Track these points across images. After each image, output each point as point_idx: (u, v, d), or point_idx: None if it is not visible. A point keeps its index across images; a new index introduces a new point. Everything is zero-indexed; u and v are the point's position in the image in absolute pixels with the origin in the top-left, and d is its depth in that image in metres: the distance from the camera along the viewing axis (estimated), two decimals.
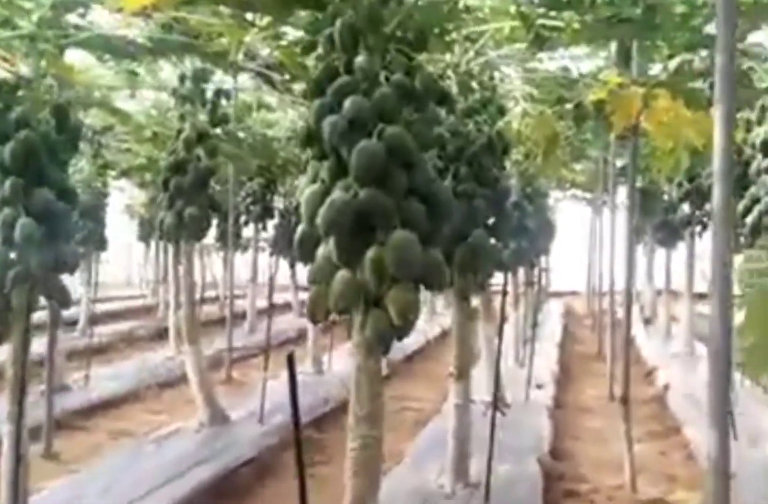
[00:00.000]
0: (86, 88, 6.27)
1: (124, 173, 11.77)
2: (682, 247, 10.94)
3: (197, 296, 10.17)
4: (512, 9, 3.92)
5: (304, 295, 5.23)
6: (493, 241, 4.85)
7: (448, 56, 4.51)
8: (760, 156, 5.96)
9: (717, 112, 2.63)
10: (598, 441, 6.69)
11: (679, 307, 11.48)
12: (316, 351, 9.03)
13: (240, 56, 6.88)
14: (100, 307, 12.70)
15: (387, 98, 2.94)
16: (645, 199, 10.55)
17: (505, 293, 5.12)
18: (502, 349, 5.20)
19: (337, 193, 2.92)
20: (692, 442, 6.26)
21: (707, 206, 9.28)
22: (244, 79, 8.08)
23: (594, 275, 14.00)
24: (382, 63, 3.01)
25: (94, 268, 10.68)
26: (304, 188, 3.03)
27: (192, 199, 6.12)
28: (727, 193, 2.61)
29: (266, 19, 3.79)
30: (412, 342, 10.64)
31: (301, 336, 10.96)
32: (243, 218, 12.16)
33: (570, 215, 17.56)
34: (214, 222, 7.22)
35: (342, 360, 8.79)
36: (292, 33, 4.01)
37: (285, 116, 9.08)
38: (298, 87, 6.33)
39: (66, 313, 9.31)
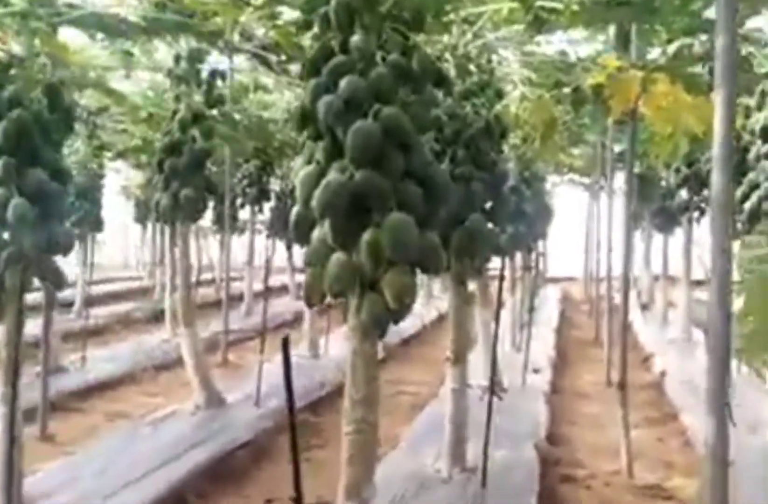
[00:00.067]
0: (81, 69, 6.23)
1: (120, 154, 11.73)
2: (679, 233, 10.91)
3: (193, 278, 10.15)
4: None
5: (301, 278, 5.20)
6: (490, 225, 4.83)
7: (445, 38, 4.46)
8: (759, 142, 5.93)
9: (717, 97, 2.60)
10: (595, 426, 6.69)
11: (677, 293, 11.46)
12: (312, 334, 9.02)
13: (236, 37, 6.85)
14: (97, 289, 12.66)
15: (383, 78, 2.90)
16: (642, 184, 10.51)
17: (502, 278, 5.09)
18: (499, 334, 5.19)
19: (332, 175, 2.89)
20: (689, 428, 6.25)
21: (705, 192, 9.26)
22: (241, 60, 8.04)
23: (591, 261, 13.99)
24: (378, 43, 2.97)
25: (90, 250, 10.64)
26: (299, 170, 3.00)
27: (187, 180, 6.08)
28: (726, 179, 2.58)
29: None
30: (408, 326, 10.64)
31: (297, 319, 10.94)
32: (239, 200, 12.12)
33: (567, 200, 17.51)
34: (211, 204, 7.20)
35: (339, 343, 8.76)
36: (288, 13, 3.97)
37: (282, 98, 9.04)
38: (295, 68, 6.30)
39: (62, 295, 9.28)
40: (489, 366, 5.14)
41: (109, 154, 11.19)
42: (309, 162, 3.02)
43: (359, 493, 2.99)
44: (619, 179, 9.59)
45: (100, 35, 5.24)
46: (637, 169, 8.74)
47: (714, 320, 2.58)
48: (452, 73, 4.54)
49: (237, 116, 8.27)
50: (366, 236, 2.89)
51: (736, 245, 2.65)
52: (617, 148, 8.93)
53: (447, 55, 4.52)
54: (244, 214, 13.05)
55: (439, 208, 3.07)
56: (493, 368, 5.03)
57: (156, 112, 7.37)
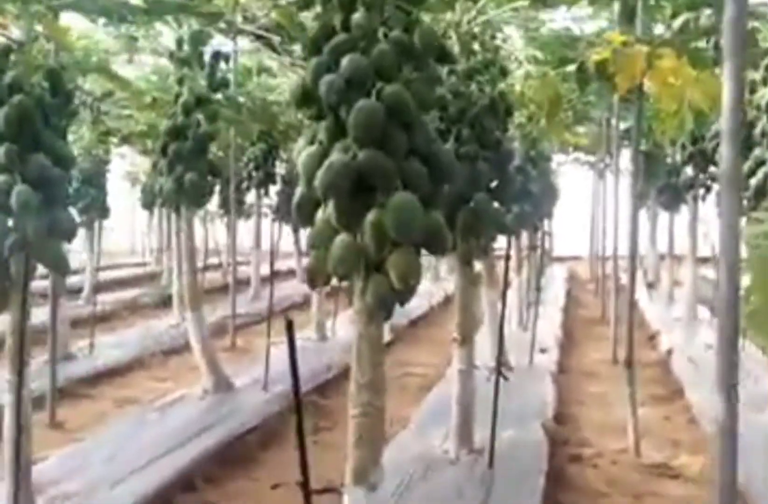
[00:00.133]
0: (84, 53, 6.20)
1: (125, 140, 11.71)
2: (685, 210, 10.86)
3: (201, 263, 10.16)
4: None
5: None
6: (496, 204, 4.80)
7: (449, 15, 4.42)
8: (765, 117, 5.88)
9: (725, 69, 2.56)
10: (602, 405, 6.68)
11: (683, 271, 11.44)
12: (320, 317, 9.03)
13: (238, 18, 6.81)
14: (104, 275, 12.68)
15: (386, 56, 2.86)
16: (648, 162, 10.47)
17: (508, 258, 5.07)
18: (506, 314, 5.17)
19: (335, 155, 2.85)
20: (696, 406, 6.24)
21: (711, 169, 9.22)
22: (244, 43, 8.01)
23: (597, 240, 13.95)
24: (380, 19, 2.93)
25: (97, 236, 10.64)
26: (301, 150, 2.97)
27: (191, 164, 6.06)
28: (735, 153, 2.54)
29: None
30: (415, 307, 10.64)
31: (305, 302, 10.95)
32: (245, 184, 12.09)
33: (572, 179, 17.47)
34: (217, 188, 7.18)
35: (346, 326, 8.77)
36: None
37: (286, 81, 9.00)
38: (298, 49, 6.26)
39: (70, 282, 9.33)
40: (496, 346, 5.13)
41: (114, 140, 11.18)
42: (311, 142, 2.98)
43: (366, 476, 2.98)
44: (625, 157, 9.55)
45: (102, 19, 5.20)
46: (642, 147, 8.69)
47: (723, 298, 2.56)
48: (456, 50, 4.50)
49: (241, 99, 8.24)
50: (370, 217, 2.85)
51: (742, 222, 2.62)
52: (623, 126, 8.89)
53: (450, 33, 4.48)
54: (250, 198, 13.02)
55: (443, 188, 3.04)
56: (500, 348, 5.02)
57: (160, 97, 7.33)
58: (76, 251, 8.69)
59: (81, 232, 9.55)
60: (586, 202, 16.26)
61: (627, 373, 5.27)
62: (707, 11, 4.63)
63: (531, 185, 8.47)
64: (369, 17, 2.89)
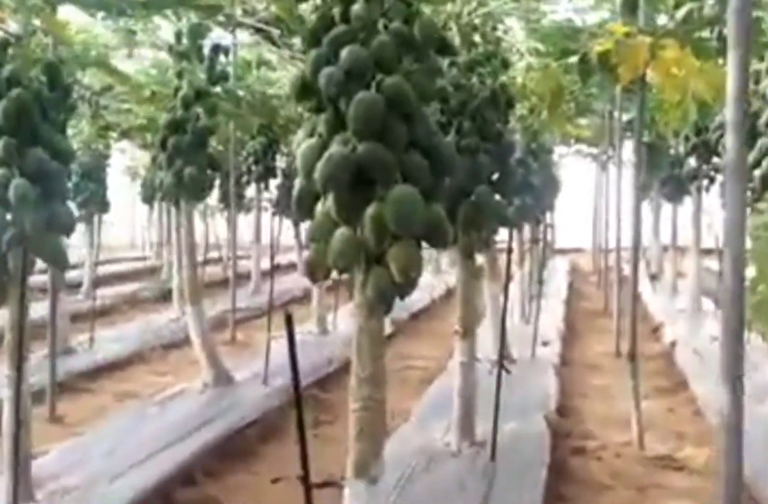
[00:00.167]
0: (83, 47, 6.17)
1: (125, 134, 11.68)
2: (688, 202, 10.83)
3: (201, 257, 10.14)
4: None
5: None
6: (497, 197, 4.77)
7: (449, 6, 4.39)
8: None
9: (730, 59, 2.53)
10: (605, 398, 6.66)
11: (686, 262, 11.41)
12: (320, 311, 9.01)
13: (238, 11, 6.77)
14: (104, 270, 12.66)
15: (385, 47, 2.83)
16: (651, 153, 10.42)
17: (510, 250, 5.05)
18: (508, 307, 5.15)
19: (335, 147, 2.82)
20: (700, 398, 6.22)
21: (715, 160, 9.19)
22: (244, 36, 7.98)
23: (600, 232, 13.92)
24: (380, 11, 2.89)
25: (96, 231, 10.62)
26: (301, 143, 2.94)
27: (191, 158, 6.03)
28: (740, 143, 2.52)
29: None
30: (416, 300, 10.62)
31: (305, 296, 10.94)
32: (245, 178, 12.06)
33: (574, 171, 17.44)
34: (216, 182, 7.15)
35: (347, 320, 8.74)
36: None
37: (286, 74, 8.96)
38: (298, 43, 6.23)
39: (70, 276, 9.32)
40: (498, 339, 5.11)
41: (114, 134, 11.15)
42: (311, 135, 2.96)
43: (367, 469, 2.96)
44: (628, 149, 9.51)
45: (101, 13, 5.17)
46: (645, 138, 8.66)
47: (727, 290, 2.53)
48: (457, 42, 4.47)
49: (241, 93, 8.21)
50: (370, 210, 2.82)
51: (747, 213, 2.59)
52: (625, 117, 8.85)
53: (451, 24, 4.45)
54: (250, 192, 12.99)
55: (444, 180, 3.01)
56: (503, 341, 4.99)
57: (159, 91, 7.31)
58: (76, 246, 8.67)
59: (80, 227, 9.55)
60: (589, 194, 16.23)
61: (630, 365, 5.26)
62: (710, 1, 4.59)
63: (532, 178, 8.44)
64: (368, 8, 2.86)
